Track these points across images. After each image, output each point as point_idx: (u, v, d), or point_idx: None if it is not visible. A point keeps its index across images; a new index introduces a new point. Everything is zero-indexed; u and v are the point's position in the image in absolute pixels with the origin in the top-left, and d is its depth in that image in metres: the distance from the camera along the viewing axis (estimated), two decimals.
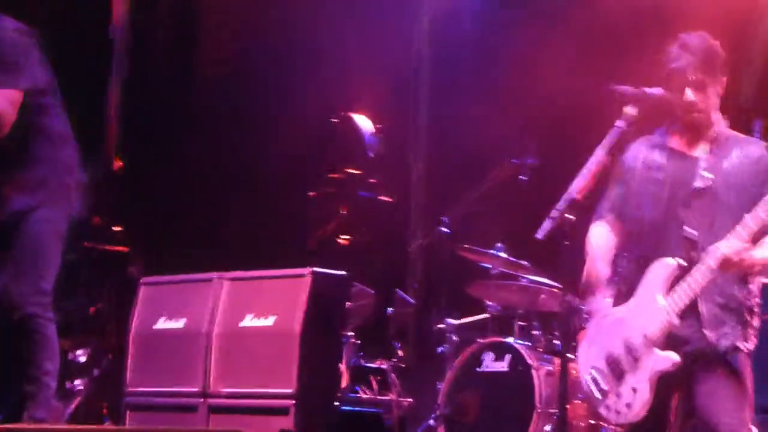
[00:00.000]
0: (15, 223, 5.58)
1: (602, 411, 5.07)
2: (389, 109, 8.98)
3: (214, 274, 7.66)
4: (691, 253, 5.04)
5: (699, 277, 4.96)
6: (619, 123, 5.31)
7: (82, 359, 8.46)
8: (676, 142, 5.31)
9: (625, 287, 5.32)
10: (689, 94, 5.10)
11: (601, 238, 5.42)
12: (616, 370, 5.08)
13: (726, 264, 4.90)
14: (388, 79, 9.46)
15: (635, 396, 4.99)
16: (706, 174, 5.10)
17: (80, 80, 9.02)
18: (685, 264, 5.01)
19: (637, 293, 5.15)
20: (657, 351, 5.02)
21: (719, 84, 5.16)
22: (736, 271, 4.98)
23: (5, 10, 5.59)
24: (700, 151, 5.23)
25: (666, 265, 5.05)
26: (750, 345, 5.10)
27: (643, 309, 5.09)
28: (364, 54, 9.28)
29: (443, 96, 9.75)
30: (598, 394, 5.09)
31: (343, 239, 8.07)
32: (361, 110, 8.57)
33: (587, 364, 5.17)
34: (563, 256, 5.45)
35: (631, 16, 8.31)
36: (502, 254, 7.41)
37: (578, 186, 5.29)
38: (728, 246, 4.89)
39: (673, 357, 5.01)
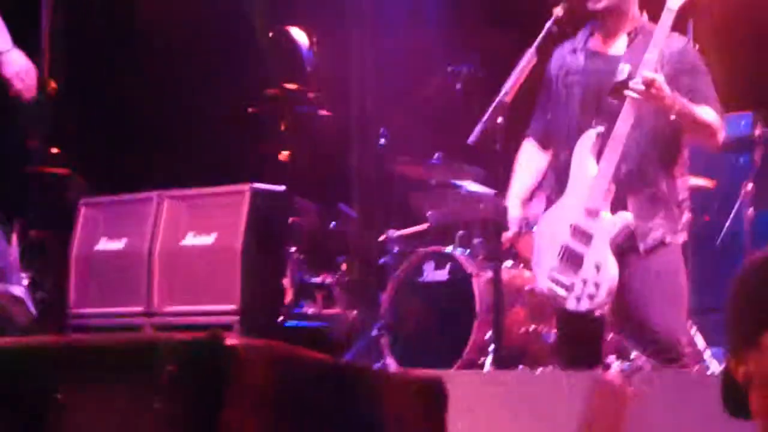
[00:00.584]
0: None
1: (572, 306, 4.94)
2: (325, 22, 8.84)
3: (154, 193, 7.61)
4: None
5: (622, 126, 4.91)
6: (548, 24, 5.29)
7: (25, 282, 8.39)
8: (594, 43, 5.27)
9: (553, 194, 5.31)
10: None
11: (527, 156, 5.42)
12: (573, 259, 5.00)
13: (649, 88, 4.79)
14: None
15: (599, 273, 4.89)
16: (624, 67, 5.04)
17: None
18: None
19: (569, 177, 5.12)
20: (603, 216, 4.97)
21: None
22: (655, 104, 4.90)
23: None
24: (619, 48, 5.19)
25: (588, 137, 5.02)
26: (679, 238, 5.09)
27: (579, 186, 5.05)
28: None
29: (382, 8, 9.62)
30: (563, 292, 4.98)
31: (284, 155, 8.00)
32: (298, 23, 8.46)
33: (543, 271, 5.11)
34: (495, 160, 5.45)
35: None
36: (440, 164, 7.35)
37: (507, 88, 5.28)
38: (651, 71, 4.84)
39: (623, 217, 4.96)
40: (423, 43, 8.62)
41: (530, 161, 5.44)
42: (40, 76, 8.78)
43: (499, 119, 5.25)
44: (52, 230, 8.34)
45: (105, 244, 7.71)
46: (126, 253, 7.60)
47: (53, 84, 8.68)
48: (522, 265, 6.85)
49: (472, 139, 5.31)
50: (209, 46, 8.84)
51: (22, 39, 8.80)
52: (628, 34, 5.14)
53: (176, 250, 7.45)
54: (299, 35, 8.30)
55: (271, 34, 8.31)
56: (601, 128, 4.99)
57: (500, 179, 5.48)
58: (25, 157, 8.16)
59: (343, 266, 7.93)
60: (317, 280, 7.78)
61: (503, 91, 5.32)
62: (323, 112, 8.19)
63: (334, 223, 8.06)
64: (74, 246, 7.80)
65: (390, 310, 7.00)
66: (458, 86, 7.46)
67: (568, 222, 5.05)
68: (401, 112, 7.94)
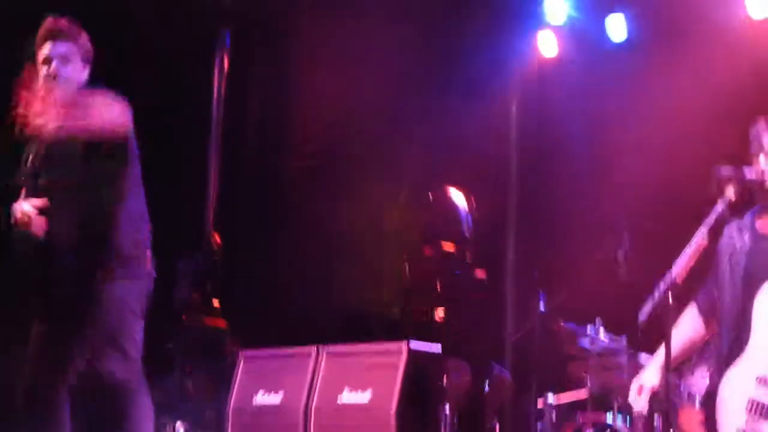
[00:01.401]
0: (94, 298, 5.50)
1: None
2: (483, 187, 8.94)
3: (312, 348, 7.67)
4: None
5: None
6: (719, 205, 5.24)
7: None
8: (761, 224, 5.22)
9: (718, 369, 5.22)
10: (763, 162, 5.02)
11: (689, 323, 5.36)
12: (763, 411, 4.94)
13: None
14: (480, 157, 9.44)
15: None
16: None
17: (181, 163, 9.21)
18: None
19: (751, 331, 5.03)
20: None
21: None
22: None
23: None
24: None
25: None
26: None
27: (761, 340, 4.96)
28: (457, 132, 9.29)
29: (537, 167, 9.70)
30: None
31: (439, 315, 8.00)
32: (457, 186, 8.55)
33: (730, 428, 5.02)
34: (664, 338, 5.37)
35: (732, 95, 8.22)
36: (600, 331, 7.29)
37: (678, 270, 5.23)
38: None
39: None
40: (583, 215, 8.65)
41: (690, 331, 5.36)
42: (206, 230, 9.12)
43: (670, 300, 5.20)
44: (209, 380, 8.47)
45: (263, 397, 7.76)
46: (283, 408, 7.63)
47: (218, 238, 8.93)
48: None
49: (642, 318, 5.26)
50: (367, 205, 9.01)
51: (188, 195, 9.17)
52: None
53: (332, 406, 7.46)
54: (458, 197, 8.37)
55: (430, 195, 8.40)
56: None
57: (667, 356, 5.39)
58: (186, 309, 8.36)
59: (497, 429, 7.85)
60: None
61: (674, 271, 5.27)
62: (480, 274, 8.20)
63: (488, 385, 8.00)
64: (233, 397, 7.86)
65: None
66: (620, 254, 7.42)
67: (754, 375, 4.96)
68: (562, 277, 7.90)
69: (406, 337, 7.46)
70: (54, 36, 5.37)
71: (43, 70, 5.33)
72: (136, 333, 5.46)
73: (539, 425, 7.45)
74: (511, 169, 9.75)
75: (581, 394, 7.47)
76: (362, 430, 7.32)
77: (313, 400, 7.51)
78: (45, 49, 5.36)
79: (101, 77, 5.43)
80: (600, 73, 9.32)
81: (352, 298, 8.72)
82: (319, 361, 7.62)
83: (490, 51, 9.64)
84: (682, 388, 6.66)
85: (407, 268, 8.24)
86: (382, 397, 7.32)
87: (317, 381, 7.57)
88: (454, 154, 9.16)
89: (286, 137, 9.58)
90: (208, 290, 8.51)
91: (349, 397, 7.47)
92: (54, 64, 5.33)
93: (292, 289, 8.93)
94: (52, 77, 5.30)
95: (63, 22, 5.42)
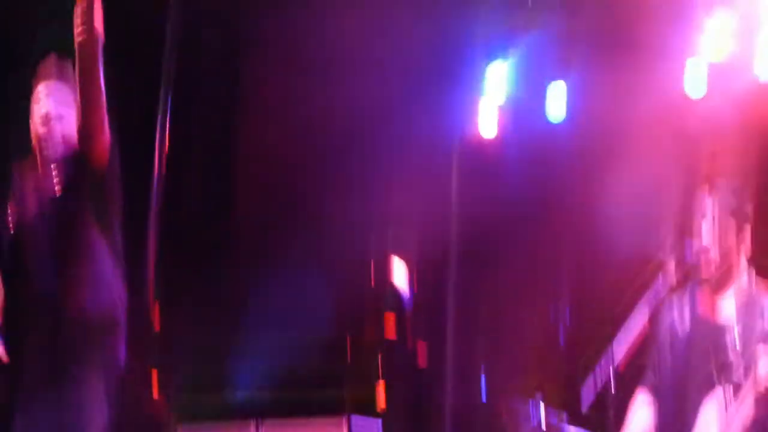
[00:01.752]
0: None
1: None
2: (424, 258, 9.02)
3: (251, 422, 7.63)
4: None
5: None
6: (660, 285, 5.30)
7: None
8: (703, 302, 5.24)
9: None
10: (704, 229, 5.07)
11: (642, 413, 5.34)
12: None
13: None
14: (421, 230, 9.52)
15: None
16: None
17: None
18: None
19: None
20: None
21: None
22: None
23: None
24: None
25: None
26: None
27: None
28: (399, 204, 9.36)
29: (476, 247, 9.77)
30: None
31: (380, 390, 8.06)
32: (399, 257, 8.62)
33: None
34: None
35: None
36: (541, 407, 7.31)
37: (620, 357, 5.29)
38: None
39: None
40: (523, 287, 8.72)
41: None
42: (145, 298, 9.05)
43: (613, 390, 5.26)
44: None
45: None
46: None
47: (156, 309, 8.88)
48: None
49: (585, 403, 5.33)
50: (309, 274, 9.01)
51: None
52: None
53: None
54: (399, 267, 8.41)
55: (372, 265, 8.45)
56: None
57: None
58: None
59: None
60: None
61: (616, 358, 5.33)
62: (421, 347, 8.26)
63: None
64: None
65: None
66: (560, 328, 7.50)
67: None
68: (501, 356, 7.97)
69: (347, 412, 7.47)
70: None
71: None
72: None
73: None
74: (451, 241, 9.79)
75: None
76: None
77: None
78: None
79: None
80: (539, 148, 9.46)
81: (293, 372, 8.69)
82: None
83: (431, 128, 9.75)
84: None
85: (348, 342, 8.28)
86: None
87: None
88: (396, 226, 9.22)
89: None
90: (146, 363, 8.42)
91: None
92: None
93: (231, 362, 8.88)
94: None
95: None
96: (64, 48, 5.03)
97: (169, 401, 8.41)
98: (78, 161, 4.98)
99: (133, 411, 8.30)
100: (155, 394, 8.36)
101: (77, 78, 4.82)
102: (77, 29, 4.77)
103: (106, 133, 4.90)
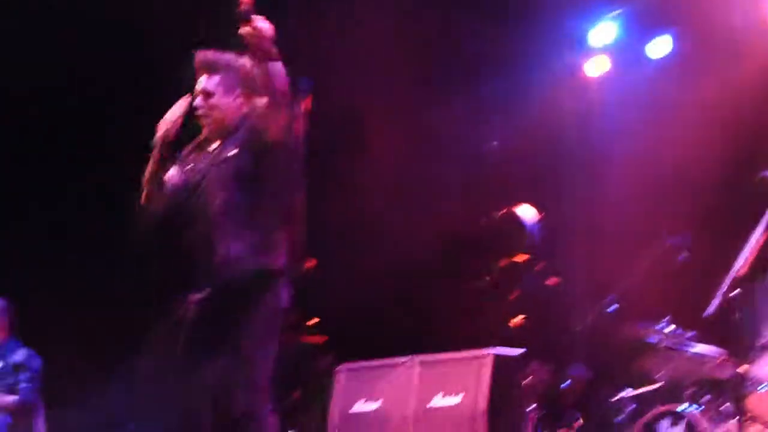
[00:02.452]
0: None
1: None
2: (548, 196, 9.50)
3: (405, 358, 8.23)
4: None
5: None
6: None
7: None
8: None
9: None
10: None
11: None
12: None
13: None
14: (543, 168, 10.04)
15: None
16: None
17: None
18: None
19: None
20: None
21: None
22: None
23: None
24: None
25: None
26: None
27: None
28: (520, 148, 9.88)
29: (595, 179, 10.25)
30: None
31: (517, 321, 8.55)
32: (524, 201, 9.12)
33: None
34: (733, 329, 5.92)
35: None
36: (670, 327, 7.83)
37: (741, 263, 5.78)
38: None
39: None
40: (644, 217, 9.20)
41: None
42: (300, 252, 9.66)
43: (735, 292, 5.72)
44: (308, 395, 9.05)
45: (361, 406, 8.31)
46: (381, 415, 8.17)
47: (312, 260, 9.49)
48: (749, 421, 7.25)
49: (709, 311, 5.79)
50: (441, 224, 9.58)
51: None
52: None
53: (426, 411, 8.02)
54: (527, 211, 8.92)
55: (501, 212, 8.96)
56: None
57: (740, 346, 5.91)
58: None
59: (579, 421, 8.39)
60: None
61: (737, 266, 5.80)
62: (552, 281, 8.76)
63: (568, 381, 8.55)
64: (333, 408, 8.40)
65: None
66: (681, 257, 7.99)
67: None
68: (629, 278, 8.41)
69: (492, 344, 8.01)
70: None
71: None
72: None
73: (618, 418, 7.98)
74: (574, 181, 10.30)
75: (655, 386, 8.02)
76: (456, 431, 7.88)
77: (408, 406, 8.06)
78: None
79: None
80: (643, 89, 9.90)
81: (437, 310, 9.27)
82: (412, 369, 8.16)
83: (540, 74, 10.23)
84: (750, 375, 7.21)
85: (485, 280, 8.78)
86: (472, 400, 7.88)
87: (411, 388, 8.12)
88: (516, 168, 9.75)
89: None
90: (303, 309, 9.07)
91: (441, 401, 8.03)
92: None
93: (382, 303, 9.48)
94: None
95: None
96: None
97: (327, 343, 9.10)
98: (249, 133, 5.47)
99: (292, 353, 9.01)
100: (314, 338, 9.07)
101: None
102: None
103: (282, 115, 5.44)
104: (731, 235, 6.30)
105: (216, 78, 5.51)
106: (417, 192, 9.63)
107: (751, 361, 7.25)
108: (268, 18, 5.25)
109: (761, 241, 5.87)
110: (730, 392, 7.51)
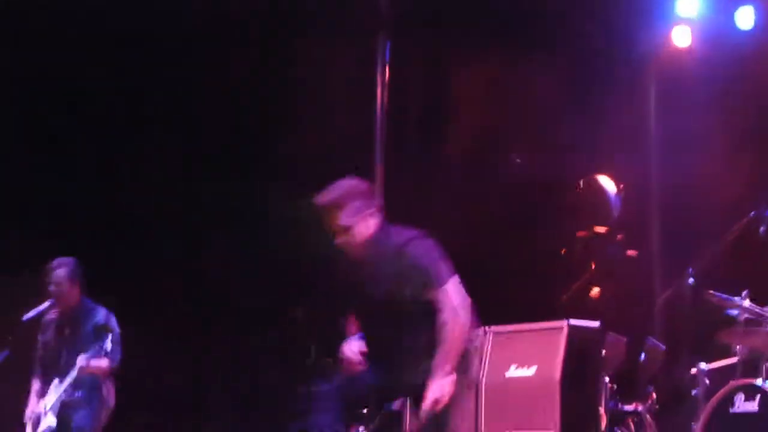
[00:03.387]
0: None
1: None
2: (627, 169, 9.35)
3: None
4: None
5: None
6: None
7: None
8: None
9: None
10: None
11: None
12: None
13: None
14: (624, 139, 9.86)
15: None
16: None
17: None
18: None
19: None
20: None
21: None
22: None
23: None
24: None
25: None
26: None
27: None
28: (602, 120, 9.73)
29: (676, 151, 10.06)
30: None
31: (594, 293, 8.45)
32: (604, 172, 8.99)
33: None
34: None
35: None
36: (747, 301, 7.64)
37: None
38: None
39: None
40: (723, 188, 9.00)
41: None
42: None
43: None
44: None
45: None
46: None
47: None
48: None
49: None
50: (522, 197, 9.49)
51: None
52: None
53: (501, 381, 7.99)
54: (607, 183, 8.79)
55: (581, 183, 8.84)
56: None
57: None
58: None
59: (653, 395, 8.27)
60: (629, 408, 8.09)
61: None
62: (631, 253, 8.62)
63: (643, 355, 8.43)
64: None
65: None
66: (762, 229, 7.79)
67: None
68: (707, 251, 8.24)
69: (567, 315, 7.91)
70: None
71: None
72: None
73: (693, 391, 7.84)
74: (651, 153, 10.12)
75: (731, 360, 7.84)
76: (530, 401, 7.82)
77: (484, 375, 7.99)
78: None
79: None
80: (731, 60, 9.67)
81: (518, 282, 9.20)
82: (487, 340, 8.10)
83: (627, 46, 10.05)
84: None
85: (565, 251, 8.68)
86: (547, 370, 7.81)
87: (487, 358, 8.07)
88: (600, 143, 9.60)
89: (446, 140, 10.12)
90: None
91: (516, 372, 7.98)
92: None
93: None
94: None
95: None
96: None
97: None
98: None
99: None
100: None
101: None
102: None
103: None
104: None
105: (344, 211, 5.69)
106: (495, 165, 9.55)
107: None
108: None
109: None
110: None
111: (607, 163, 9.08)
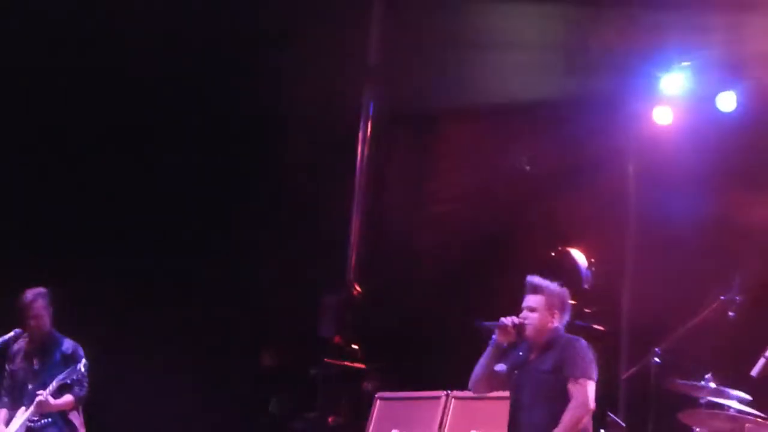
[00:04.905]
0: None
1: None
2: (601, 242, 9.24)
3: (442, 393, 8.00)
4: None
5: None
6: None
7: None
8: None
9: None
10: None
11: None
12: None
13: None
14: (600, 214, 9.75)
15: None
16: None
17: (326, 215, 9.76)
18: None
19: None
20: None
21: None
22: None
23: None
24: None
25: None
26: None
27: None
28: (581, 191, 9.62)
29: (651, 230, 9.96)
30: None
31: None
32: (576, 245, 8.87)
33: None
34: None
35: None
36: (711, 385, 7.50)
37: None
38: None
39: None
40: (694, 271, 8.89)
41: None
42: (348, 280, 9.58)
43: None
44: (346, 417, 8.86)
45: None
46: None
47: (358, 288, 9.36)
48: None
49: (754, 372, 5.50)
50: (497, 264, 9.36)
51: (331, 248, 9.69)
52: None
53: None
54: (578, 256, 8.68)
55: (553, 254, 8.72)
56: None
57: None
58: (328, 351, 8.79)
59: None
60: None
61: None
62: (597, 327, 8.48)
63: (603, 430, 8.24)
64: None
65: None
66: (730, 314, 7.67)
67: None
68: (674, 333, 8.12)
69: None
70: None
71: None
72: None
73: None
74: (628, 227, 10.01)
75: None
76: None
77: None
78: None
79: None
80: (711, 138, 9.60)
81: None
82: (448, 404, 7.95)
83: (608, 122, 9.99)
84: None
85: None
86: None
87: (447, 423, 7.91)
88: (574, 215, 9.49)
89: (422, 200, 10.02)
90: (348, 335, 8.92)
91: None
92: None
93: (423, 339, 9.29)
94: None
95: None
96: None
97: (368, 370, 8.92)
98: None
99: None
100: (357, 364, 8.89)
101: None
102: None
103: None
104: None
105: (539, 298, 6.47)
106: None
107: None
108: None
109: None
110: None
111: (581, 238, 8.95)
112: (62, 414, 7.85)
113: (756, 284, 7.96)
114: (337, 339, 8.92)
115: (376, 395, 8.30)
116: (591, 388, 6.25)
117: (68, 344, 7.95)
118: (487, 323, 6.23)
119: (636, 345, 9.10)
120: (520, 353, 6.43)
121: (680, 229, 9.41)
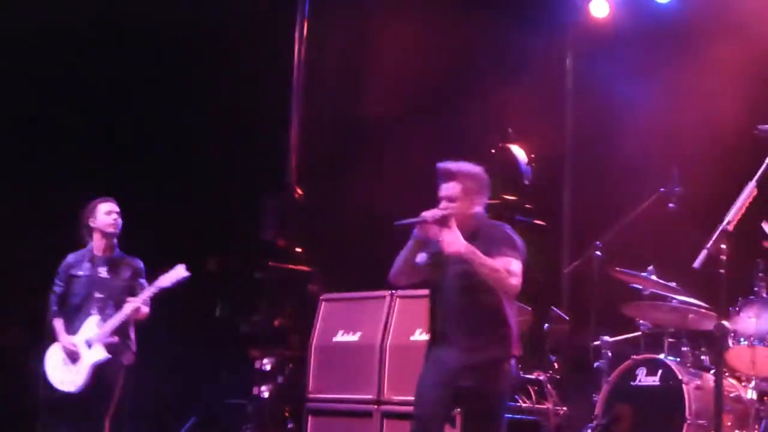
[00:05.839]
0: None
1: None
2: (541, 138, 9.15)
3: (387, 292, 7.93)
4: None
5: None
6: None
7: (268, 368, 8.82)
8: None
9: None
10: None
11: None
12: None
13: None
14: (539, 109, 9.65)
15: None
16: None
17: (265, 118, 9.56)
18: None
19: None
20: None
21: None
22: None
23: None
24: None
25: None
26: None
27: None
28: (518, 85, 9.51)
29: (590, 124, 9.89)
30: None
31: None
32: (516, 141, 8.77)
33: None
34: (719, 282, 5.58)
35: None
36: (653, 277, 7.52)
37: (730, 217, 5.42)
38: None
39: None
40: (634, 164, 8.84)
41: None
42: (288, 182, 9.42)
43: (723, 246, 5.38)
44: (292, 319, 8.79)
45: (342, 337, 8.04)
46: (360, 346, 7.90)
47: (300, 190, 9.20)
48: (727, 373, 7.00)
49: (697, 264, 5.43)
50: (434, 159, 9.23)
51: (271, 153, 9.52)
52: None
53: (406, 344, 7.74)
54: (518, 152, 8.58)
55: (493, 151, 8.62)
56: None
57: (723, 301, 5.59)
58: (272, 255, 8.66)
59: (555, 365, 8.12)
60: (531, 376, 7.95)
61: (726, 220, 5.45)
62: (538, 222, 8.44)
63: (547, 324, 8.26)
64: (315, 336, 8.14)
65: (604, 411, 7.14)
66: (670, 206, 7.65)
67: None
68: (616, 226, 8.09)
69: None
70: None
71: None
72: None
73: (596, 363, 7.70)
74: (566, 122, 9.93)
75: (635, 334, 7.72)
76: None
77: (388, 339, 7.78)
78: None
79: None
80: (648, 31, 9.51)
81: None
82: (393, 304, 7.87)
83: (545, 16, 9.85)
84: (731, 329, 6.91)
85: None
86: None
87: (392, 322, 7.84)
88: (513, 110, 9.37)
89: (362, 90, 9.85)
90: (291, 237, 8.80)
91: (422, 336, 7.73)
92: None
93: (367, 236, 9.18)
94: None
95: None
96: None
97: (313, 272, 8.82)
98: None
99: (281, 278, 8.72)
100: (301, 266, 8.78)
101: None
102: None
103: None
104: (725, 188, 5.91)
105: (454, 185, 5.88)
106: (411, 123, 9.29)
107: (731, 316, 6.97)
108: None
109: (751, 196, 5.49)
110: (710, 345, 7.23)
111: (520, 133, 8.84)
112: (126, 331, 7.24)
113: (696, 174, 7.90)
114: (281, 242, 8.78)
115: (321, 297, 8.20)
116: (516, 263, 5.69)
117: (139, 262, 7.41)
118: (406, 221, 5.86)
119: (577, 239, 9.07)
120: None
121: (619, 122, 9.36)
